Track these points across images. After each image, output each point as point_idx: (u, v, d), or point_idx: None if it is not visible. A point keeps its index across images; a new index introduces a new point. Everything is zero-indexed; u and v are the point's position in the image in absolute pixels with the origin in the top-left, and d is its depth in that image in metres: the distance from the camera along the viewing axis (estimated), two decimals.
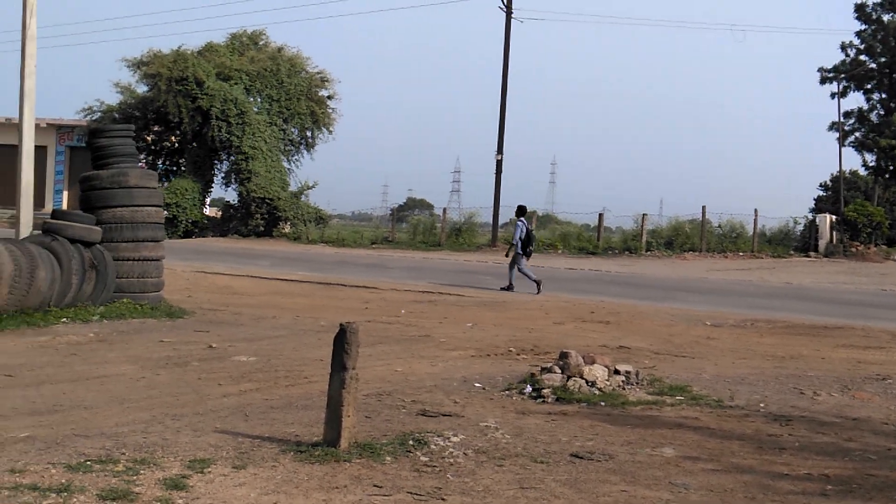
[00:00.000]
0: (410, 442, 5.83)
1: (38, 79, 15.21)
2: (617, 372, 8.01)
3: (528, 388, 7.73)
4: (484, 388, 7.88)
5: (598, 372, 7.83)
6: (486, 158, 65.47)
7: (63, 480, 4.78)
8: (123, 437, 5.80)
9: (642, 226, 31.63)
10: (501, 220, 33.03)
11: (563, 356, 8.02)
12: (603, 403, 7.33)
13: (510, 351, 10.14)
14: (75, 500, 4.48)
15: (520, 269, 17.96)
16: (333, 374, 5.61)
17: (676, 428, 6.62)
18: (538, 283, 17.45)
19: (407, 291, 16.81)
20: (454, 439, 5.98)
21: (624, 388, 7.80)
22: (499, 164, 32.29)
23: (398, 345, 10.43)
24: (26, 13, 14.72)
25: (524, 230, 18.10)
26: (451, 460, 5.55)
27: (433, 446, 5.79)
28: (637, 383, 8.00)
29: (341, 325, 5.66)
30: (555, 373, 7.89)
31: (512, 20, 32.58)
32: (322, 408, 5.84)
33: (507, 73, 32.53)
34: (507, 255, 19.96)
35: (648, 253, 30.52)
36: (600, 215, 32.45)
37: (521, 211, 18.56)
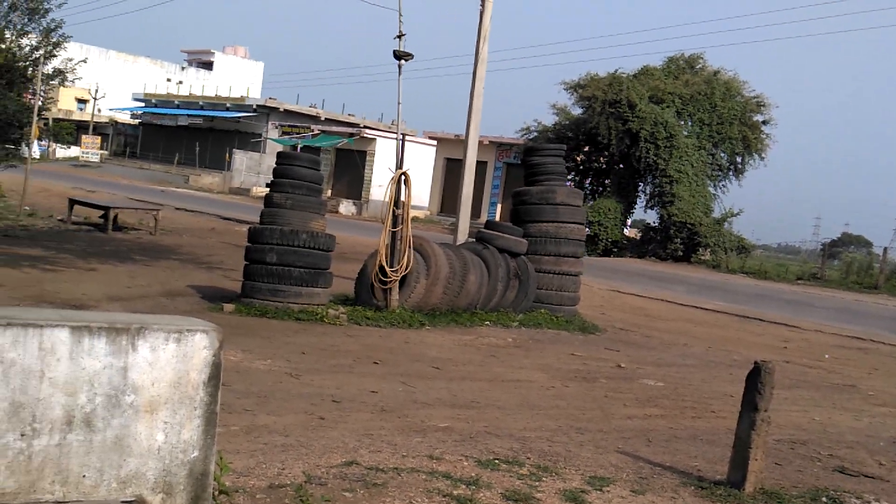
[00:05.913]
0: (823, 499, 5.35)
1: (484, 99, 16.59)
2: None
3: None
4: None
5: None
6: None
7: (473, 474, 5.10)
8: (530, 442, 6.05)
9: None
10: None
11: None
12: None
13: None
14: (482, 495, 4.76)
15: None
16: (743, 413, 5.34)
17: None
18: None
19: (833, 335, 15.48)
20: None
21: None
22: None
23: (817, 391, 9.65)
24: (480, 39, 16.12)
25: None
26: None
27: None
28: None
29: (756, 362, 5.37)
30: None
31: None
32: (728, 445, 5.59)
33: None
34: None
35: None
36: None
37: None
